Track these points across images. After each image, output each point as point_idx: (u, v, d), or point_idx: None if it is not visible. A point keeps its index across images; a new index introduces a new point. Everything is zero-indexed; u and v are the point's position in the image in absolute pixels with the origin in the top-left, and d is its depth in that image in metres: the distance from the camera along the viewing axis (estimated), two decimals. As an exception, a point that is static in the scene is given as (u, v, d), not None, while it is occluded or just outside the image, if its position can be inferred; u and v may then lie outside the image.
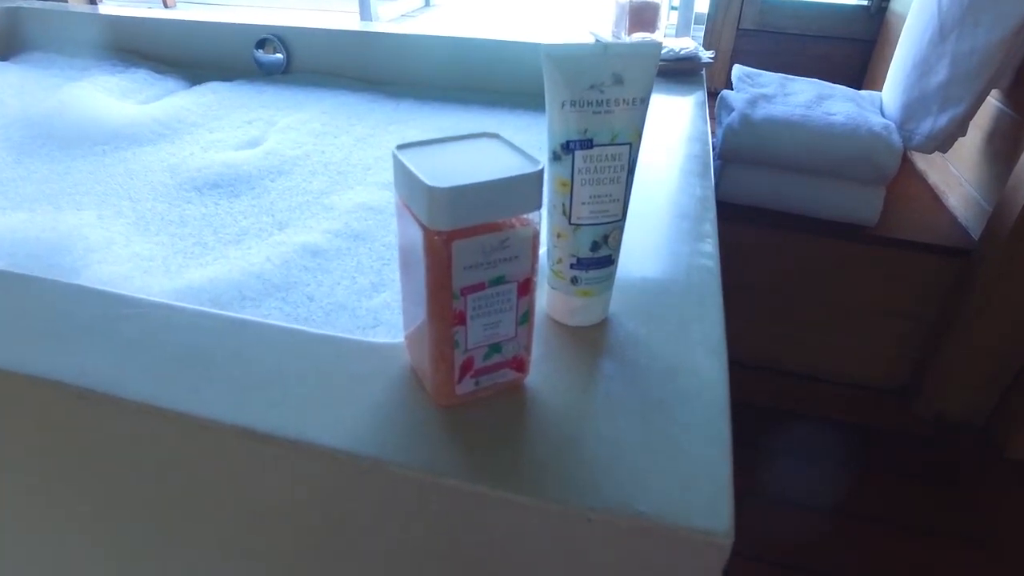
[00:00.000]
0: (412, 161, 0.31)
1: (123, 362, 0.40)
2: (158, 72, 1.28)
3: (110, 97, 1.13)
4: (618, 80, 0.36)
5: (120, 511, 0.44)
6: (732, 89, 1.13)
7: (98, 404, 0.38)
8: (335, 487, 0.36)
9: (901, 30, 1.24)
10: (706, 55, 1.03)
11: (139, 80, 1.23)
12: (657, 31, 1.14)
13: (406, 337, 0.40)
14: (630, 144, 0.38)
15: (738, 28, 1.43)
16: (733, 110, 1.02)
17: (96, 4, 1.59)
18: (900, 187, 1.10)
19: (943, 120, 0.92)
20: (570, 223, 0.39)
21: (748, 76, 1.05)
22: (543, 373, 0.40)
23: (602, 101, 0.36)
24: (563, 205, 0.39)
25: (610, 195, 0.39)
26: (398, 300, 0.64)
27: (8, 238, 0.71)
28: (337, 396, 0.38)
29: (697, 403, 0.39)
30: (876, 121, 0.93)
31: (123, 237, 0.74)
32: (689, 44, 1.05)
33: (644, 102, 0.37)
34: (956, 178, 1.06)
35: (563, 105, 0.36)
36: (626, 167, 0.39)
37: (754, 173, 0.97)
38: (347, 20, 1.42)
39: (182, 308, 0.45)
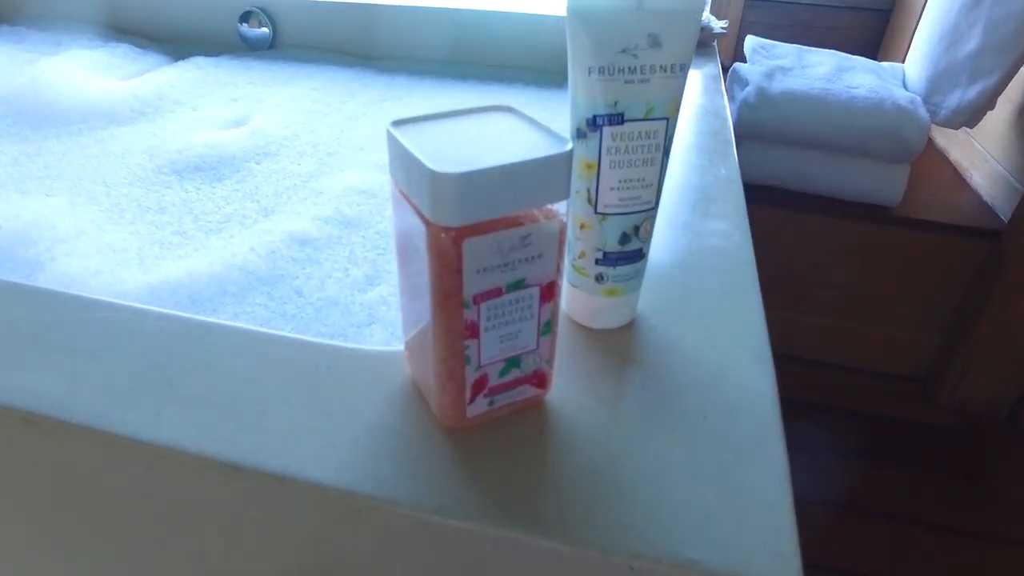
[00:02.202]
0: (411, 140, 0.26)
1: (75, 379, 0.34)
2: (139, 47, 1.21)
3: (87, 73, 1.06)
4: (655, 42, 0.30)
5: (74, 544, 0.39)
6: (744, 62, 1.07)
7: (46, 431, 0.33)
8: (325, 528, 0.31)
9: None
10: (719, 25, 0.96)
11: (119, 55, 1.16)
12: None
13: (406, 345, 0.34)
14: (667, 119, 0.32)
15: (748, -3, 1.36)
16: (748, 84, 0.95)
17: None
18: (919, 164, 1.04)
19: (972, 92, 0.87)
20: (596, 212, 0.34)
21: (763, 48, 0.99)
22: (565, 386, 0.35)
23: (635, 68, 0.31)
24: (588, 191, 0.33)
25: (643, 179, 0.33)
26: (394, 294, 0.59)
27: (-32, 228, 0.65)
28: (326, 418, 0.32)
29: (746, 419, 0.34)
30: (901, 94, 0.87)
31: (95, 226, 0.68)
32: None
33: (684, 69, 0.31)
34: (981, 154, 1.00)
35: (590, 72, 0.30)
36: (661, 146, 0.33)
37: (771, 150, 0.91)
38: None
39: (145, 311, 0.40)
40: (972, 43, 0.85)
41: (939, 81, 0.90)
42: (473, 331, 0.28)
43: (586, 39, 0.30)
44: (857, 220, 0.92)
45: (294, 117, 0.94)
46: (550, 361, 0.32)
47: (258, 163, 0.82)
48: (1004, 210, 0.92)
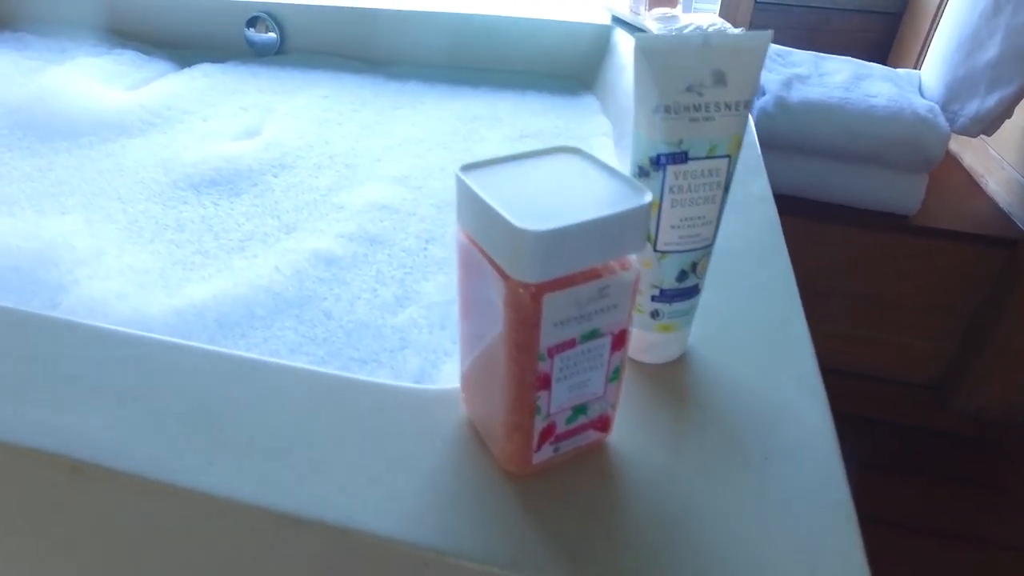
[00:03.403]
0: (485, 189, 0.25)
1: (122, 423, 0.33)
2: (145, 53, 1.19)
3: (94, 82, 1.04)
4: (720, 80, 0.30)
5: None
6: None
7: (94, 479, 0.32)
8: (388, 580, 0.30)
9: (929, 2, 1.17)
10: (734, 32, 0.95)
11: (125, 62, 1.14)
12: (679, 5, 1.07)
13: (463, 386, 0.34)
14: (729, 157, 0.32)
15: (756, 1, 1.35)
16: (764, 91, 0.95)
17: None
18: (933, 170, 1.04)
19: (991, 101, 0.86)
20: (655, 249, 0.33)
21: (779, 55, 0.98)
22: (624, 426, 0.34)
23: (700, 105, 0.30)
24: (648, 229, 0.33)
25: (703, 217, 0.33)
26: (426, 316, 0.58)
27: (-14, 249, 0.64)
28: (384, 464, 0.32)
29: (806, 459, 0.33)
30: (920, 103, 0.87)
31: (115, 246, 0.67)
32: (714, 19, 0.98)
33: (748, 106, 0.31)
34: (997, 161, 1.00)
35: (655, 110, 0.30)
36: (723, 184, 0.32)
37: (788, 159, 0.91)
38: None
39: (186, 347, 0.39)
40: (992, 51, 0.85)
41: (957, 89, 0.89)
42: (545, 383, 0.27)
43: (653, 77, 0.29)
44: (875, 229, 0.92)
45: (307, 127, 0.93)
46: (615, 405, 0.31)
47: (275, 176, 0.81)
48: (1021, 218, 0.92)
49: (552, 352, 0.26)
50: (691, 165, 0.31)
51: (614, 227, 0.24)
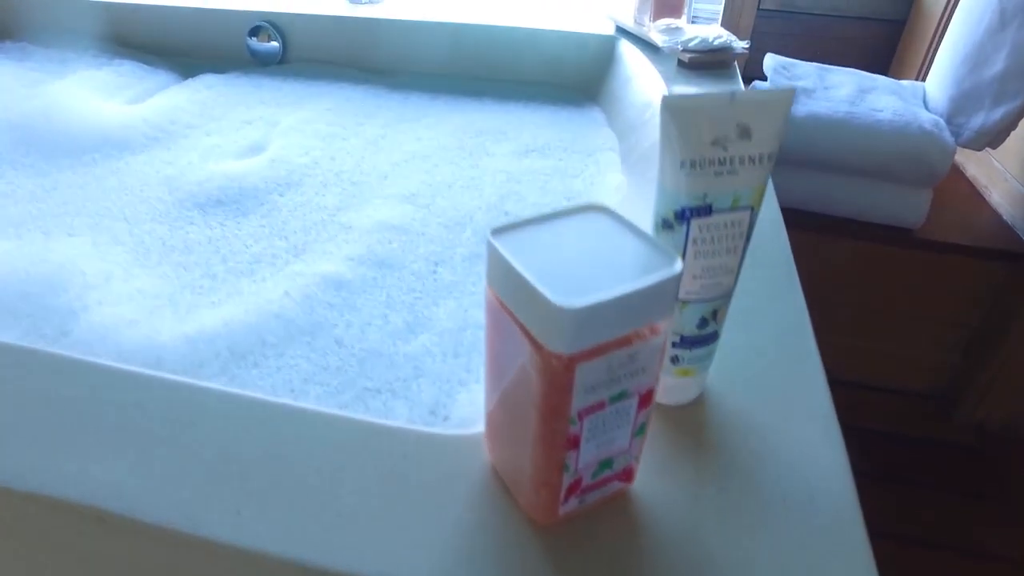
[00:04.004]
0: (518, 257, 0.25)
1: (145, 470, 0.33)
2: (146, 64, 1.19)
3: (97, 96, 1.04)
4: (744, 133, 0.30)
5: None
6: (758, 75, 1.06)
7: (119, 529, 0.32)
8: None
9: (933, 10, 1.17)
10: (740, 45, 0.96)
11: (126, 74, 1.14)
12: (683, 17, 1.07)
13: (487, 433, 0.34)
14: (752, 208, 0.32)
15: (759, 8, 1.35)
16: (770, 104, 0.95)
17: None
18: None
19: (996, 115, 0.87)
20: (677, 298, 0.33)
21: (784, 67, 0.98)
22: (646, 471, 0.34)
23: (725, 159, 0.30)
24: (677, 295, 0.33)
25: (725, 266, 0.33)
26: (438, 344, 0.58)
27: (-6, 273, 0.64)
28: (412, 513, 0.32)
29: (824, 502, 0.33)
30: (925, 118, 0.87)
31: (122, 269, 0.66)
32: (719, 32, 0.97)
33: (771, 159, 0.31)
34: (1000, 172, 1.00)
35: (681, 166, 0.30)
36: (745, 234, 0.32)
37: (794, 173, 0.91)
38: (343, 6, 1.33)
39: (206, 389, 0.39)
40: (997, 66, 0.85)
41: (962, 102, 0.90)
42: (574, 443, 0.27)
43: (679, 134, 0.29)
44: (880, 242, 0.92)
45: (312, 143, 0.93)
46: (638, 457, 0.31)
47: (281, 195, 0.81)
48: (1025, 230, 0.92)
49: (582, 415, 0.26)
50: (715, 217, 0.31)
51: (645, 297, 0.24)
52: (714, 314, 0.35)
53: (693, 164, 0.30)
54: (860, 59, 1.35)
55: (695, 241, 0.31)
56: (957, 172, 1.09)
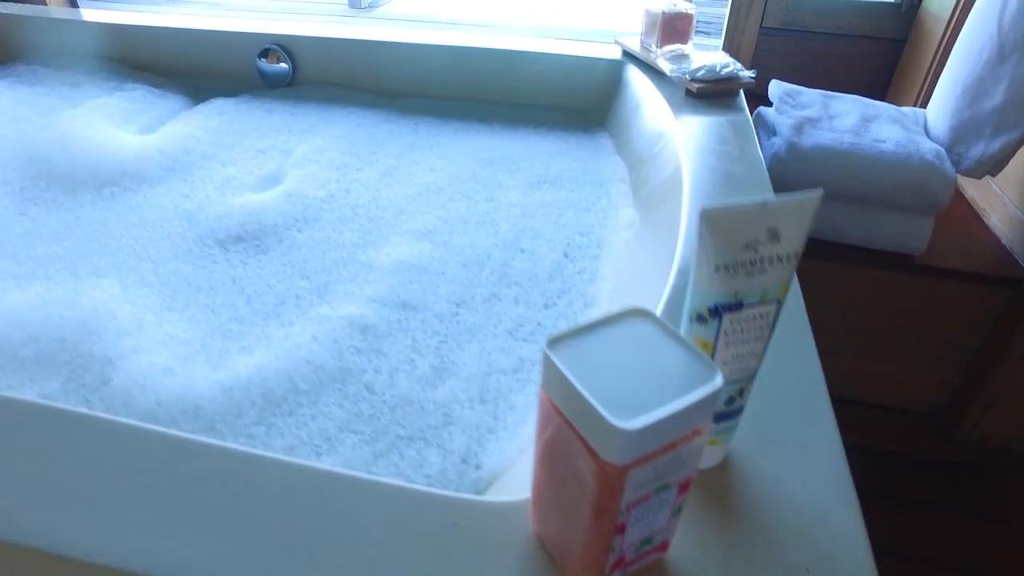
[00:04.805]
0: (575, 372, 0.27)
1: (212, 545, 0.36)
2: (156, 87, 1.20)
3: (110, 124, 1.05)
4: (774, 236, 0.32)
5: None
6: (768, 102, 1.08)
7: (196, 605, 0.34)
8: None
9: (934, 30, 1.19)
10: (746, 74, 0.98)
11: (138, 99, 1.15)
12: (690, 43, 1.09)
13: (533, 504, 0.36)
14: (778, 300, 0.34)
15: (761, 26, 1.37)
16: (775, 133, 0.97)
17: (78, 7, 1.49)
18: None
19: (996, 145, 0.89)
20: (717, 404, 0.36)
21: (789, 95, 1.01)
22: (678, 537, 0.37)
23: (756, 260, 0.32)
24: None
25: (752, 352, 0.35)
26: (465, 390, 0.60)
27: (30, 318, 0.66)
28: (463, 587, 0.34)
29: (844, 571, 0.36)
30: (927, 148, 0.90)
31: (153, 314, 0.68)
32: (726, 60, 0.99)
33: (798, 256, 0.33)
34: (999, 196, 1.03)
35: (716, 269, 0.32)
36: (771, 324, 0.35)
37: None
38: (352, 29, 1.35)
39: (260, 457, 0.41)
40: (997, 99, 0.87)
41: (962, 132, 0.92)
42: (621, 529, 0.30)
43: (715, 241, 0.31)
44: (882, 268, 0.95)
45: (326, 174, 0.94)
46: (674, 531, 0.34)
47: (300, 231, 0.83)
48: (1023, 256, 0.95)
49: (629, 507, 0.29)
50: (745, 311, 0.33)
51: (691, 410, 0.27)
52: (741, 392, 0.37)
53: (727, 267, 0.32)
54: (861, 77, 1.37)
55: (726, 332, 0.34)
56: (957, 194, 1.11)
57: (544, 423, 0.30)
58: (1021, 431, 0.99)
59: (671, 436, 0.27)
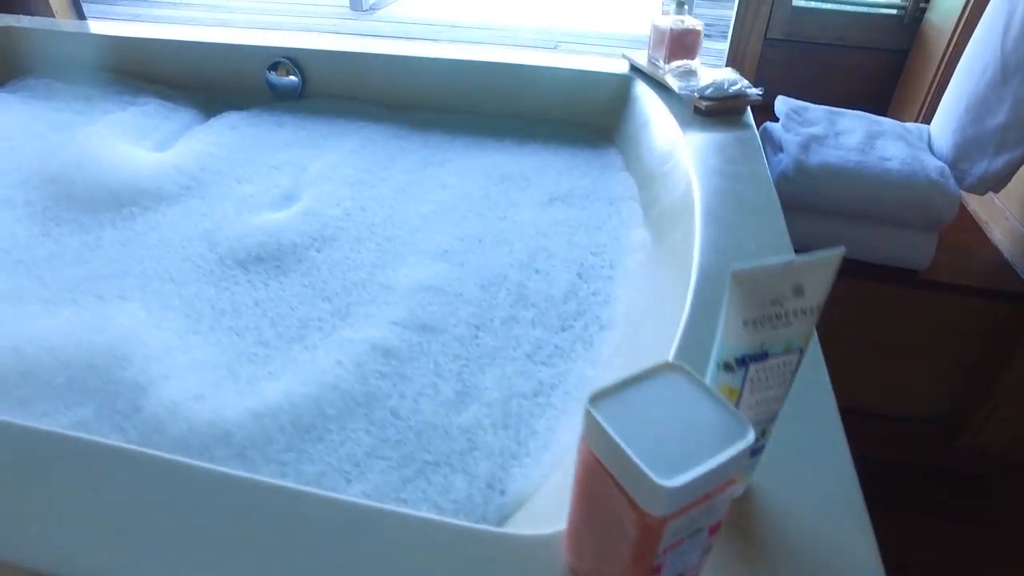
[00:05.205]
0: (616, 428, 0.29)
1: (267, 585, 0.38)
2: (167, 100, 1.22)
3: (126, 140, 1.06)
4: (798, 292, 0.34)
5: None
6: (775, 118, 1.10)
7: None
8: None
9: (938, 42, 1.21)
10: (754, 91, 0.99)
11: (150, 113, 1.17)
12: (697, 59, 1.10)
13: (568, 538, 0.38)
14: (801, 350, 0.36)
15: (765, 37, 1.38)
16: (781, 149, 0.99)
17: (85, 18, 1.50)
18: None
19: (999, 163, 0.91)
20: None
21: (795, 112, 1.02)
22: (707, 571, 0.38)
23: (781, 314, 0.34)
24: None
25: (776, 397, 0.37)
26: (488, 415, 0.62)
27: (60, 343, 0.68)
28: (503, 623, 0.36)
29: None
30: (932, 166, 0.91)
31: (179, 338, 0.70)
32: (734, 77, 1.01)
33: (820, 309, 0.35)
34: (1000, 210, 1.05)
35: (744, 324, 0.34)
36: (794, 370, 0.37)
37: (805, 218, 0.95)
38: (360, 42, 1.36)
39: (304, 494, 0.43)
40: (999, 118, 0.89)
41: (966, 149, 0.94)
42: (657, 571, 0.32)
43: (744, 299, 0.33)
44: (886, 283, 0.97)
45: (341, 191, 0.96)
46: (703, 567, 0.36)
47: (318, 251, 0.84)
48: (1024, 270, 0.97)
49: (665, 551, 0.31)
50: (770, 361, 0.35)
51: (726, 465, 0.29)
52: (763, 432, 0.39)
53: (755, 322, 0.34)
54: (864, 88, 1.39)
55: (752, 380, 0.36)
56: (959, 207, 1.13)
57: (585, 472, 0.32)
58: (1022, 440, 1.02)
59: (707, 489, 0.29)
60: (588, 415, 0.30)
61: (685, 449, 0.29)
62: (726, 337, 0.35)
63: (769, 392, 0.37)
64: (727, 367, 0.36)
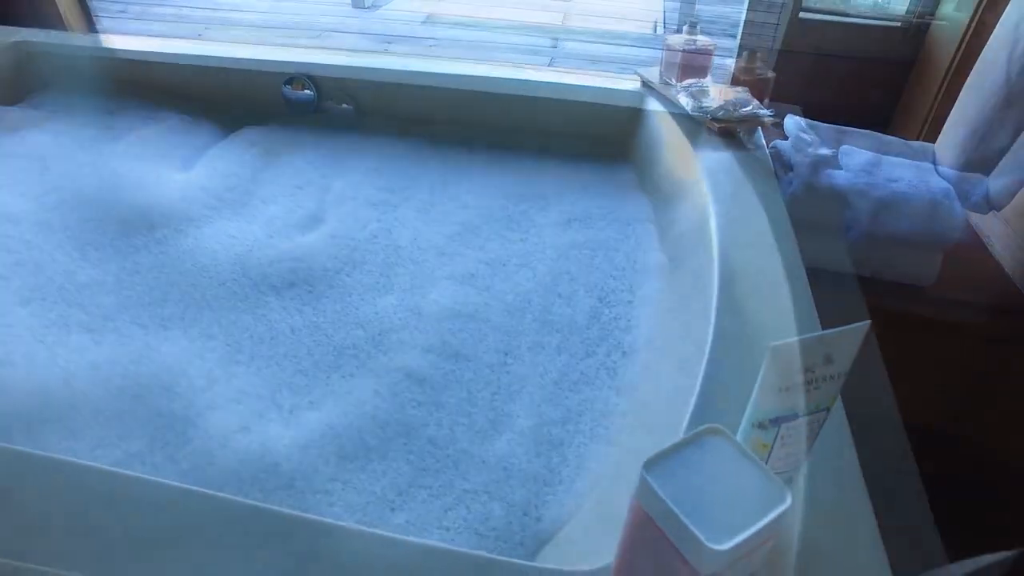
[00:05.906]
0: (669, 494, 0.33)
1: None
2: (186, 114, 1.24)
3: (152, 161, 1.09)
4: (828, 360, 0.37)
5: None
6: (783, 136, 1.13)
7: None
8: None
9: (943, 53, 1.24)
10: (765, 112, 1.02)
11: (173, 129, 1.19)
12: (708, 76, 1.13)
13: (615, 570, 0.41)
14: (828, 408, 0.39)
15: (778, 50, 1.41)
16: (791, 168, 1.02)
17: (97, 32, 1.52)
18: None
19: (1001, 185, 0.94)
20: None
21: (804, 131, 1.05)
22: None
23: (812, 380, 0.38)
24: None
25: (803, 449, 0.41)
26: (520, 443, 0.65)
27: (107, 373, 0.71)
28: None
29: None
30: (938, 187, 0.95)
31: (221, 368, 0.73)
32: (746, 97, 1.03)
33: (846, 374, 0.39)
34: (1003, 226, 1.08)
35: (779, 391, 0.37)
36: (820, 426, 0.40)
37: (813, 237, 0.98)
38: (376, 58, 1.38)
39: (370, 535, 0.46)
40: (1004, 140, 0.92)
41: (970, 170, 0.97)
42: (700, 616, 0.35)
43: (780, 369, 0.37)
44: (891, 299, 1.00)
45: (366, 213, 0.99)
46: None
47: (348, 275, 0.87)
48: (1025, 285, 1.00)
49: (710, 600, 0.34)
50: (799, 420, 0.39)
51: (767, 527, 0.32)
52: (790, 480, 0.42)
53: (788, 388, 0.37)
54: (868, 98, 1.42)
55: (782, 437, 0.39)
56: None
57: (637, 526, 0.36)
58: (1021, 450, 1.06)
59: (749, 548, 0.33)
60: (643, 479, 0.34)
61: (730, 512, 0.32)
62: (761, 401, 0.38)
63: (798, 446, 0.40)
64: (761, 426, 0.39)
